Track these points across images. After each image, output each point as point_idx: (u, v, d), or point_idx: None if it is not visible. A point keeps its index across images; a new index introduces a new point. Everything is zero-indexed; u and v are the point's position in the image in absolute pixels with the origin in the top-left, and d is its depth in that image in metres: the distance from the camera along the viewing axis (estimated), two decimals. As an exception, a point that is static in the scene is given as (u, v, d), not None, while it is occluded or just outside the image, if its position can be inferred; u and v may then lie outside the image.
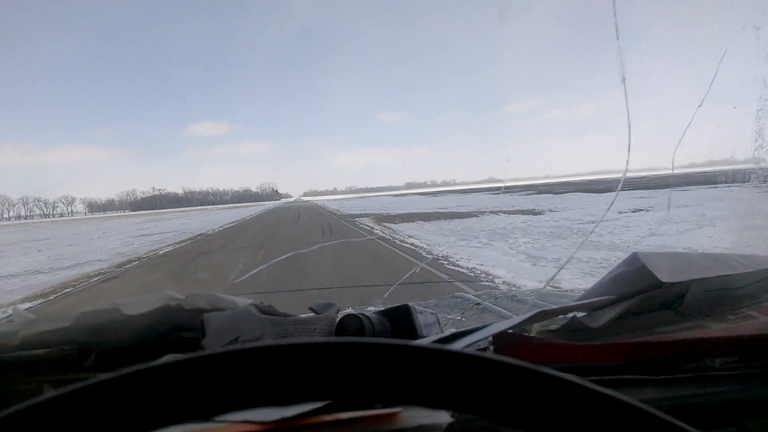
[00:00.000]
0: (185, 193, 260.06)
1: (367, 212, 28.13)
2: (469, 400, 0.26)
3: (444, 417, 0.46)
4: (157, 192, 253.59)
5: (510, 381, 0.25)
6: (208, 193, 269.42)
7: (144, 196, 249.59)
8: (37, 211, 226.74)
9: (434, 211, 24.07)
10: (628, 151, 0.70)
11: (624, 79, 0.65)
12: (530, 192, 42.84)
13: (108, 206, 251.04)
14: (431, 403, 0.26)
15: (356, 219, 21.23)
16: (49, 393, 0.22)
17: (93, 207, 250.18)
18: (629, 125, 0.69)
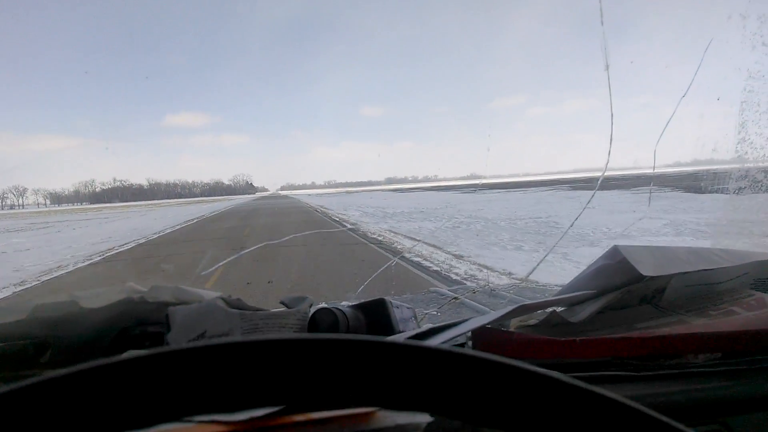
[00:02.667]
0: (150, 184, 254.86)
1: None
2: (449, 402, 0.25)
3: (422, 416, 0.46)
4: (118, 183, 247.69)
5: (492, 379, 0.25)
6: (175, 185, 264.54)
7: (104, 187, 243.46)
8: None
9: None
10: (610, 142, 0.72)
11: (607, 66, 0.67)
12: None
13: (69, 198, 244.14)
14: (408, 405, 0.26)
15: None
16: None
17: (53, 198, 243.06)
18: (611, 115, 0.71)
